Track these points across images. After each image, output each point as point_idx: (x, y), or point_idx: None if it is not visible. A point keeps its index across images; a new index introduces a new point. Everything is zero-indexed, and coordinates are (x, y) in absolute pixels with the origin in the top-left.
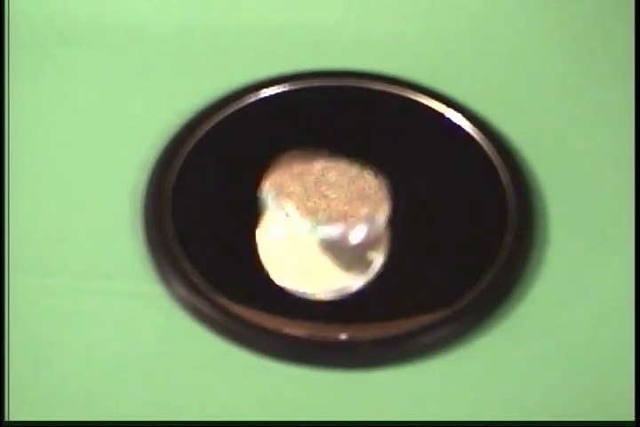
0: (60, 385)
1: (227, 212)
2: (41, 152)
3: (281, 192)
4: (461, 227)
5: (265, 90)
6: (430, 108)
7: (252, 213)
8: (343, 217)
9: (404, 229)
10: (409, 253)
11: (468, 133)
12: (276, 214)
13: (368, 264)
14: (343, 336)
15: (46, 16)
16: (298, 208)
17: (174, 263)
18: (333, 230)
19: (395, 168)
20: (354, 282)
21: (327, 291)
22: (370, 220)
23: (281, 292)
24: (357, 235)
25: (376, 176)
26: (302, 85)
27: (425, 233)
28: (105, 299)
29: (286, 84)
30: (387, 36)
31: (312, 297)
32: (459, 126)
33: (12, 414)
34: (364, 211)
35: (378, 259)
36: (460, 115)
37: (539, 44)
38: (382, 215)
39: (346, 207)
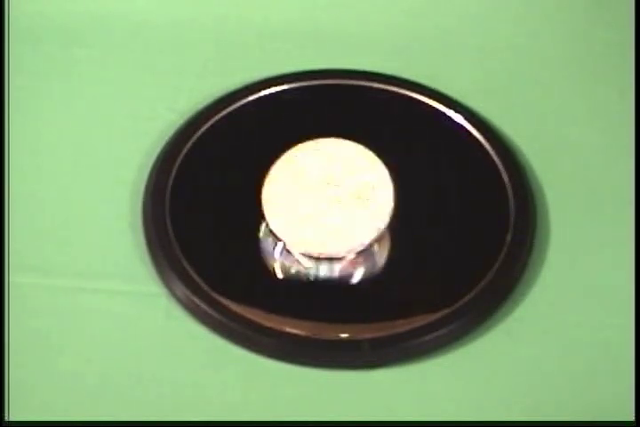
0: (60, 385)
1: (226, 211)
2: (41, 152)
3: (281, 235)
4: (461, 227)
5: (265, 89)
6: (431, 106)
7: (251, 212)
8: (342, 256)
9: (404, 229)
10: (409, 252)
11: (468, 133)
12: (278, 256)
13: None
14: (343, 336)
15: (46, 16)
16: (296, 246)
17: (174, 263)
18: (333, 269)
19: (395, 168)
20: (363, 238)
21: (336, 249)
22: (369, 258)
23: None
24: (357, 274)
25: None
26: (302, 84)
27: (425, 233)
28: (105, 299)
29: (286, 84)
30: (387, 35)
31: (316, 255)
32: (459, 125)
33: (12, 414)
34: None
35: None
36: (460, 114)
37: (539, 43)
38: (382, 253)
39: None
